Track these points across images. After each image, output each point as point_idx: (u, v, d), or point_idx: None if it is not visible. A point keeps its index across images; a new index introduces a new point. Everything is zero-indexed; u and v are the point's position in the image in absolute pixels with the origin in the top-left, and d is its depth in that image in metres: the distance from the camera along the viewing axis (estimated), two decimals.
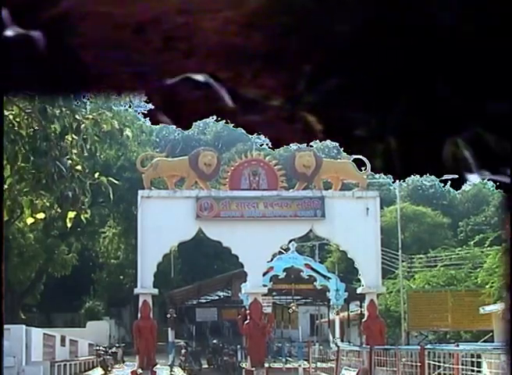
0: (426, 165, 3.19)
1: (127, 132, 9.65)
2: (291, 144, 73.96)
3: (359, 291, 26.54)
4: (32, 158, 7.99)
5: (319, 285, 33.33)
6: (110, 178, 8.91)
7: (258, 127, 3.22)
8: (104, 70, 2.75)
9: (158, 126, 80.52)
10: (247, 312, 25.69)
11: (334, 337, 37.17)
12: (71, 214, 8.48)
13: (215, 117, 3.52)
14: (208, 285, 42.71)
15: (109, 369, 34.42)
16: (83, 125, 8.09)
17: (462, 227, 62.00)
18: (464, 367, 14.01)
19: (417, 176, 72.98)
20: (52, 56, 2.63)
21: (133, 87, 2.97)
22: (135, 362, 25.96)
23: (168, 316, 34.73)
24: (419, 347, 17.17)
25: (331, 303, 37.26)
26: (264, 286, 27.08)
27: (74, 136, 8.11)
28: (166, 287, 38.92)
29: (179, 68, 2.67)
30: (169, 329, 34.49)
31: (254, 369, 24.70)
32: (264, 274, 27.41)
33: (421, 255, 42.33)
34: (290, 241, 30.69)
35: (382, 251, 27.95)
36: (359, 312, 37.91)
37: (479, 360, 14.01)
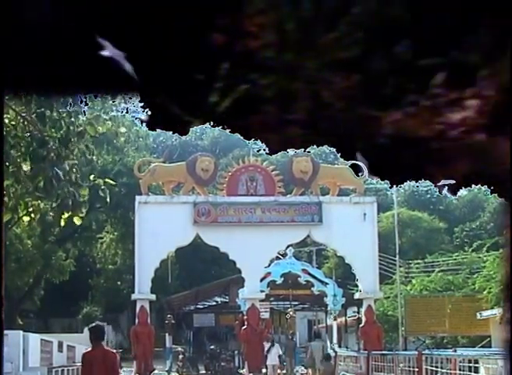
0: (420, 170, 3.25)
1: (123, 134, 9.69)
2: (288, 150, 74.19)
3: (356, 296, 26.55)
4: (29, 161, 8.00)
5: (317, 290, 33.33)
6: (107, 180, 8.93)
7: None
8: None
9: (155, 131, 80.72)
10: (245, 317, 25.70)
11: (331, 342, 37.06)
12: (66, 215, 8.48)
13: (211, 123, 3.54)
14: (205, 291, 42.66)
15: None
16: (81, 128, 8.11)
17: (458, 233, 62.07)
18: (461, 372, 14.02)
19: (414, 181, 73.27)
20: None
21: None
22: (132, 368, 25.91)
23: (166, 321, 34.70)
24: (417, 352, 17.19)
25: (328, 308, 37.17)
26: (262, 291, 27.08)
27: (73, 140, 8.13)
28: (164, 292, 38.85)
29: None
30: (167, 334, 34.45)
31: (251, 374, 24.71)
32: (261, 280, 27.40)
33: (419, 261, 42.31)
34: (288, 247, 30.68)
35: (380, 256, 27.95)
36: (356, 317, 37.87)
37: (477, 365, 14.02)
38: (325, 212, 25.24)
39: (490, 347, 26.43)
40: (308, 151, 28.74)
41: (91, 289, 56.66)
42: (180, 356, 34.47)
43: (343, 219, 25.35)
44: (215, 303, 46.10)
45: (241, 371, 29.47)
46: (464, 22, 2.55)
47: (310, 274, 33.31)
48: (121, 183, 41.97)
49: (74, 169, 8.32)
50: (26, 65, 2.79)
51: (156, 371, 26.95)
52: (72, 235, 49.18)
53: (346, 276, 37.18)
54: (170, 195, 25.43)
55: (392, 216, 40.54)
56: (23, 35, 2.64)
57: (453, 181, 3.22)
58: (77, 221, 8.68)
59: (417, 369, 15.82)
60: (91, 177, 8.87)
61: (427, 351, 17.69)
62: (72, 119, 8.14)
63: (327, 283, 33.51)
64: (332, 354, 26.06)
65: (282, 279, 32.78)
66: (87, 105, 16.42)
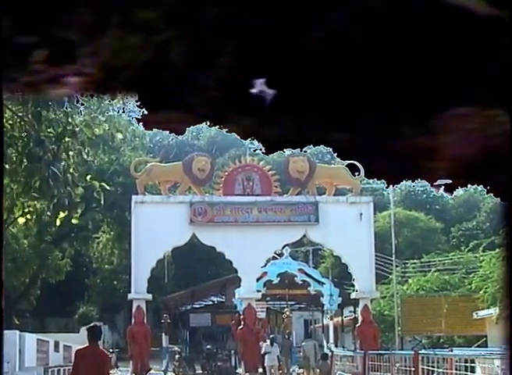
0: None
1: (119, 135, 9.72)
2: (285, 150, 74.14)
3: (353, 296, 26.55)
4: (25, 161, 7.99)
5: (313, 290, 33.37)
6: (102, 184, 8.91)
7: None
8: None
9: (151, 131, 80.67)
10: (241, 317, 25.69)
11: (328, 342, 37.08)
12: (62, 214, 8.48)
13: (208, 122, 3.52)
14: (201, 290, 42.66)
15: None
16: (77, 128, 8.09)
17: (454, 233, 62.18)
18: (457, 372, 14.01)
19: (410, 181, 73.35)
20: None
21: None
22: (129, 368, 25.91)
23: (162, 321, 34.68)
24: (413, 352, 17.19)
25: (325, 308, 37.26)
26: (258, 291, 27.09)
27: (69, 139, 8.11)
28: (160, 292, 38.85)
29: None
30: (163, 334, 34.43)
31: (247, 374, 24.71)
32: (258, 279, 27.41)
33: (415, 260, 42.33)
34: (284, 246, 30.72)
35: (376, 256, 27.95)
36: (353, 317, 37.93)
37: (473, 365, 14.02)
38: (321, 212, 25.24)
39: (486, 346, 26.45)
40: (305, 151, 28.81)
41: (87, 289, 56.63)
42: (177, 356, 34.41)
43: (340, 218, 25.36)
44: (211, 303, 46.10)
45: (239, 371, 29.45)
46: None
47: (306, 274, 33.35)
48: (117, 183, 41.98)
49: (71, 170, 8.31)
50: None
51: (152, 371, 26.93)
52: (68, 235, 49.13)
53: (342, 276, 37.17)
54: (166, 195, 25.41)
55: (389, 215, 40.59)
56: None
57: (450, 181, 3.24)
58: (75, 220, 8.68)
59: (413, 369, 15.81)
60: (88, 177, 8.85)
61: (423, 351, 17.69)
62: (69, 119, 8.13)
63: (323, 283, 33.55)
64: (329, 353, 26.07)
65: (279, 278, 32.81)
66: (83, 104, 16.40)
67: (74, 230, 46.62)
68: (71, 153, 8.31)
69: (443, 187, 61.82)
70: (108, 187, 9.37)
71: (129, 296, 24.89)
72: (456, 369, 14.10)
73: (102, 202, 9.20)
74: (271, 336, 28.12)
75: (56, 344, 31.33)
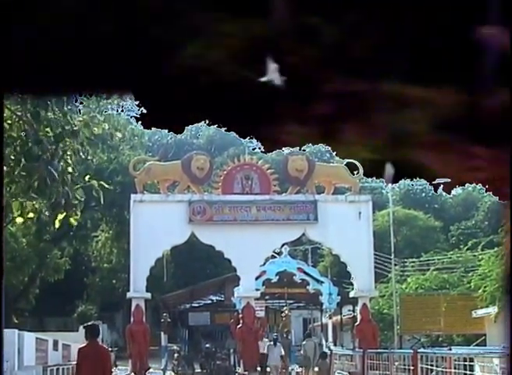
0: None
1: (118, 134, 9.72)
2: (283, 148, 74.15)
3: (352, 294, 26.54)
4: (23, 161, 7.98)
5: (312, 289, 33.36)
6: (101, 182, 8.90)
7: None
8: None
9: (150, 130, 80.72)
10: (240, 316, 25.67)
11: (327, 341, 37.08)
12: (60, 216, 8.46)
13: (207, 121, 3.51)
14: (200, 289, 42.66)
15: None
16: (76, 128, 8.08)
17: (453, 231, 62.21)
18: (456, 371, 14.04)
19: (409, 179, 73.38)
20: None
21: None
22: (128, 367, 25.90)
23: (161, 320, 34.66)
24: (412, 351, 17.21)
25: (324, 307, 37.22)
26: (257, 290, 27.07)
27: (68, 139, 8.10)
28: (159, 291, 38.83)
29: None
30: (162, 333, 34.40)
31: (246, 373, 24.71)
32: (256, 278, 27.40)
33: (414, 259, 42.37)
34: (283, 245, 30.72)
35: (375, 255, 27.96)
36: (352, 315, 37.89)
37: (472, 364, 14.04)
38: (320, 211, 25.22)
39: (485, 345, 26.48)
40: (304, 150, 28.81)
41: (86, 288, 56.66)
42: (176, 355, 34.43)
43: (339, 217, 25.34)
44: (210, 301, 46.10)
45: (237, 370, 29.45)
46: None
47: (305, 273, 33.34)
48: (116, 182, 41.96)
49: (69, 169, 8.30)
50: None
51: (151, 370, 26.91)
52: (67, 234, 49.13)
53: (341, 275, 37.16)
54: (165, 194, 25.39)
55: (388, 214, 40.59)
56: None
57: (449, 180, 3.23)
58: (73, 221, 8.66)
59: (412, 368, 15.82)
60: (86, 177, 8.84)
61: (422, 350, 17.71)
62: (68, 118, 8.12)
63: (322, 282, 33.54)
64: (328, 352, 26.09)
65: (278, 277, 32.79)
66: (82, 103, 16.39)
67: (73, 229, 46.59)
68: (70, 153, 8.30)
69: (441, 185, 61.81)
70: (107, 186, 9.35)
71: (128, 295, 24.88)
72: (455, 368, 14.14)
73: (101, 201, 9.17)
74: (274, 336, 28.09)
75: (55, 343, 31.35)
